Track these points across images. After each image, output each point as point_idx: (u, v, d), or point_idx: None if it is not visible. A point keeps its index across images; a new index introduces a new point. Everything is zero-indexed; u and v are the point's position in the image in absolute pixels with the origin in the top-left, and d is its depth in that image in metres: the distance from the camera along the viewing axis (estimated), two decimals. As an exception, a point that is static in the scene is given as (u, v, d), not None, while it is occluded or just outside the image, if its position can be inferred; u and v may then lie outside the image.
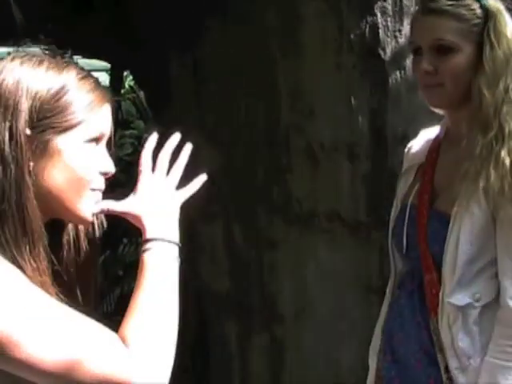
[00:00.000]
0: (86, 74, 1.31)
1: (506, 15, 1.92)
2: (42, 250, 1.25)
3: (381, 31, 2.68)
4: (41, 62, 1.28)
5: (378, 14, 2.68)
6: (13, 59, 1.28)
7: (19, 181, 1.22)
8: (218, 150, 2.93)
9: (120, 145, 6.59)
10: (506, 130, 1.83)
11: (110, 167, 1.32)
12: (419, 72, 1.93)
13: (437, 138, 2.08)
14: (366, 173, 2.70)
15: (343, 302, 2.81)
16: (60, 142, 1.26)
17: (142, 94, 6.82)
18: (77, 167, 1.27)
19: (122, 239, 5.57)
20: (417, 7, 1.99)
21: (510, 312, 1.81)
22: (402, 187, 2.11)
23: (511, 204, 1.81)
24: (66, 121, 1.26)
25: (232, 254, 3.00)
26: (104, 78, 7.49)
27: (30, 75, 1.26)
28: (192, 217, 3.10)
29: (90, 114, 1.28)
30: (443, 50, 1.88)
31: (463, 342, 1.85)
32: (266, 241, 2.90)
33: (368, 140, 2.72)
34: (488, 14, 1.87)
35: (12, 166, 1.22)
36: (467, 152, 1.86)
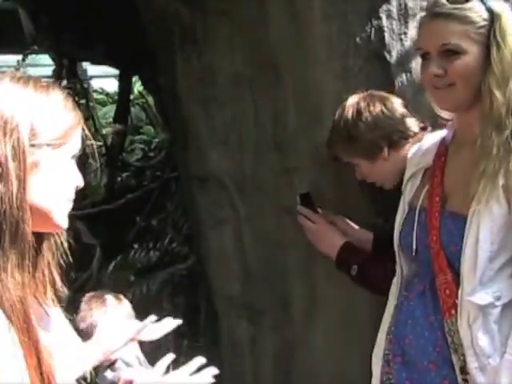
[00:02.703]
0: (67, 93, 1.39)
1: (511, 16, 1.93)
2: (28, 261, 1.30)
3: (386, 34, 2.70)
4: (27, 82, 1.34)
5: (384, 17, 2.70)
6: (1, 79, 1.34)
7: (20, 195, 1.27)
8: (226, 153, 2.95)
9: (130, 150, 6.61)
10: None
11: (82, 181, 1.41)
12: (428, 75, 1.95)
13: (444, 141, 2.08)
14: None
15: (354, 303, 2.82)
16: (53, 157, 1.33)
17: (151, 99, 6.85)
18: (64, 181, 1.35)
19: (133, 244, 5.59)
20: (423, 12, 2.00)
21: None
22: (408, 191, 2.11)
23: None
24: (59, 138, 1.33)
25: (242, 257, 3.01)
26: (113, 84, 7.53)
27: (24, 95, 1.32)
28: (202, 219, 3.13)
29: (74, 132, 1.36)
30: (451, 54, 1.90)
31: (483, 342, 1.85)
32: (276, 243, 2.92)
33: (375, 142, 2.72)
34: (493, 16, 1.89)
35: (14, 182, 1.27)
36: (481, 152, 1.87)
